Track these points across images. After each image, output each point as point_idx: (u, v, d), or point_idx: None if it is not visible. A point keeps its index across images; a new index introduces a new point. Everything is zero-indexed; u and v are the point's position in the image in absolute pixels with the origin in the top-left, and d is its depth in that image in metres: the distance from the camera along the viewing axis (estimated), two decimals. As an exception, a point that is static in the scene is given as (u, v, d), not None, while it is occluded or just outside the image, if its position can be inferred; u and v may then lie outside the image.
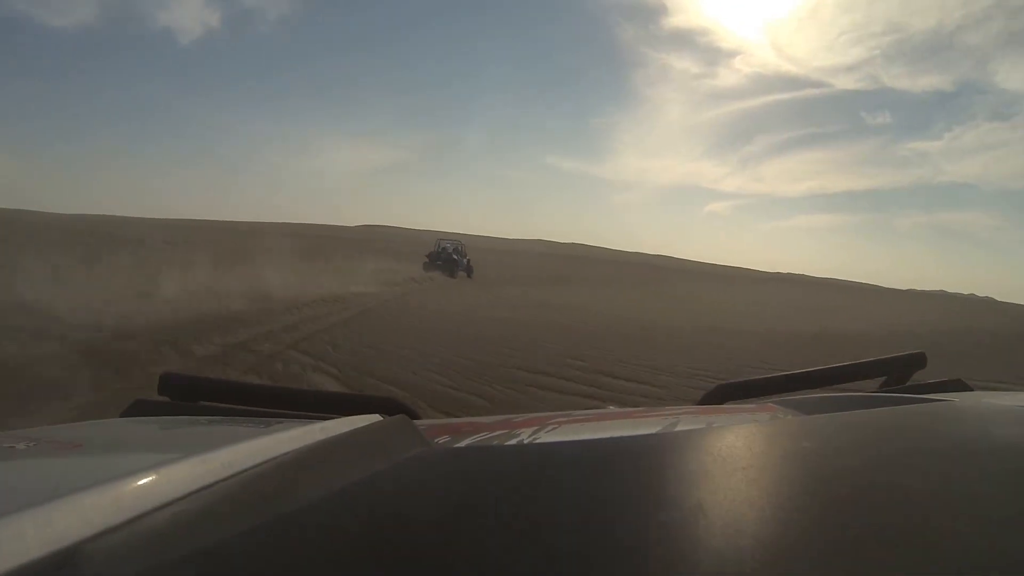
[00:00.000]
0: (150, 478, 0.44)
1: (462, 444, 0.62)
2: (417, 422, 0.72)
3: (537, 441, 0.62)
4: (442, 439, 0.63)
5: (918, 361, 1.08)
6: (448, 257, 25.12)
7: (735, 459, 0.45)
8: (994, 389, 1.14)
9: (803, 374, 1.08)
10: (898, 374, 1.08)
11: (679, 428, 0.67)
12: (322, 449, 0.55)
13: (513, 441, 0.62)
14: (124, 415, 0.92)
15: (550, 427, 0.69)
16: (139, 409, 0.92)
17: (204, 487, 0.45)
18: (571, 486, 0.40)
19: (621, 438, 0.54)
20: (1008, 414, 0.59)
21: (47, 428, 0.76)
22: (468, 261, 25.68)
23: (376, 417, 0.69)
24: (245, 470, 0.49)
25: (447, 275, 23.28)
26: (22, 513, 0.37)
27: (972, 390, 0.95)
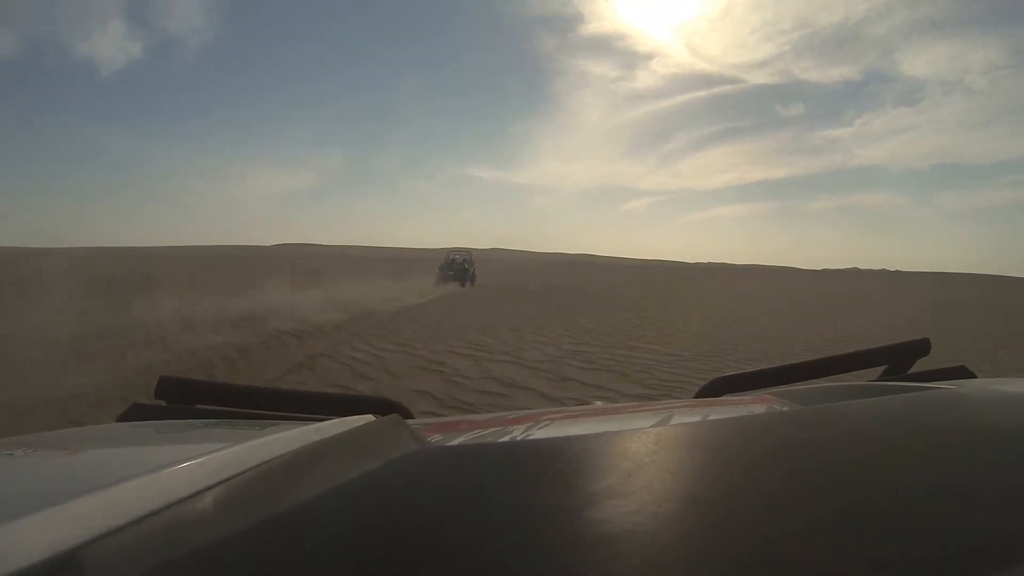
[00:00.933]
0: (147, 482, 0.46)
1: (455, 442, 0.63)
2: (410, 421, 0.73)
3: (530, 438, 0.63)
4: (435, 438, 0.64)
5: (921, 348, 1.07)
6: (460, 268, 26.04)
7: (730, 451, 0.45)
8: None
9: (802, 365, 1.09)
10: (900, 362, 1.07)
11: (673, 422, 0.67)
12: (316, 450, 0.56)
13: (506, 438, 0.63)
14: (120, 419, 0.93)
15: (543, 423, 0.70)
16: (136, 413, 0.93)
17: (201, 490, 0.47)
18: (562, 481, 0.41)
19: (614, 432, 0.55)
20: (1014, 401, 0.59)
21: (44, 434, 0.77)
22: (473, 271, 26.71)
23: (370, 418, 0.71)
24: (240, 473, 0.50)
25: (459, 285, 24.41)
26: (21, 518, 0.38)
27: (976, 377, 0.95)
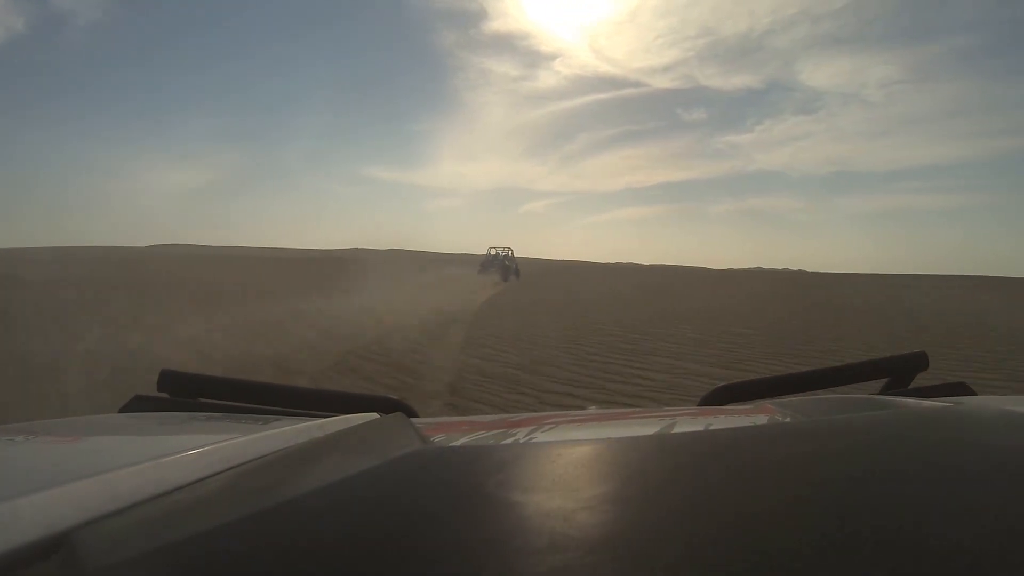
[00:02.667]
0: (146, 470, 0.48)
1: (458, 443, 0.64)
2: (415, 420, 0.75)
3: (533, 441, 0.64)
4: (438, 437, 0.65)
5: (920, 361, 1.10)
6: (501, 264, 29.61)
7: (730, 462, 0.46)
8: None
9: (805, 375, 1.13)
10: (900, 375, 1.11)
11: (676, 430, 0.70)
12: (318, 446, 0.58)
13: (509, 440, 0.64)
14: (123, 410, 0.95)
15: (547, 427, 0.72)
16: (138, 405, 0.96)
17: (199, 480, 0.48)
18: (562, 485, 0.42)
19: (616, 439, 0.56)
20: (1013, 419, 0.60)
21: (46, 422, 0.80)
22: (516, 266, 30.05)
23: (374, 416, 0.73)
24: (240, 465, 0.52)
25: (501, 278, 27.17)
26: (18, 498, 0.40)
27: (975, 394, 0.99)
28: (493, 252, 31.40)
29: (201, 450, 0.53)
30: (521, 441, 0.64)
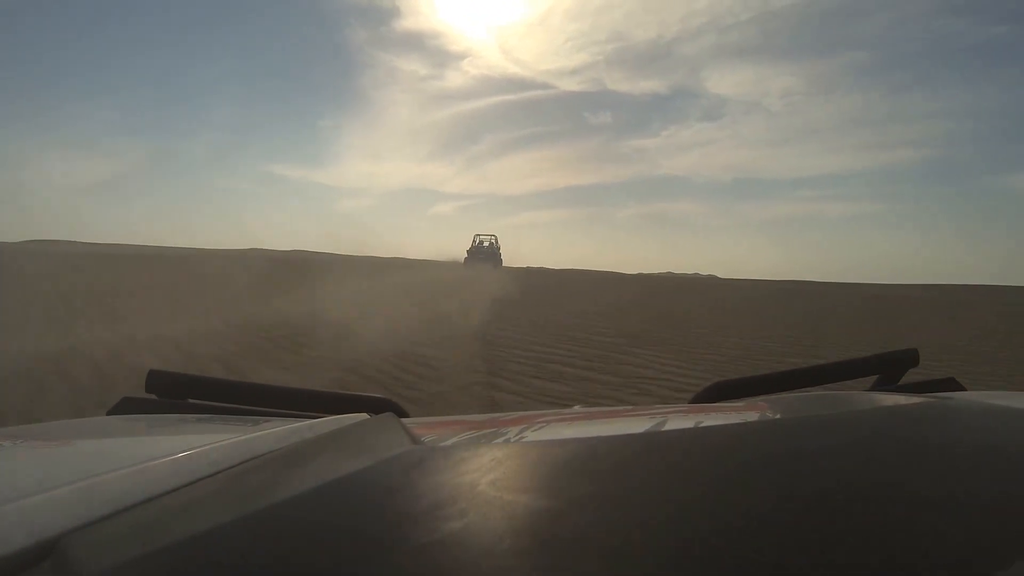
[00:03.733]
0: (133, 474, 0.48)
1: (448, 443, 0.64)
2: (405, 420, 0.75)
3: (523, 440, 0.65)
4: (429, 437, 0.66)
5: (910, 358, 1.15)
6: (488, 252, 30.69)
7: (720, 460, 0.47)
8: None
9: (797, 372, 1.17)
10: (891, 372, 1.16)
11: (666, 428, 0.71)
12: (308, 447, 0.59)
13: (499, 440, 0.65)
14: (111, 413, 0.95)
15: (537, 426, 0.73)
16: (126, 407, 0.95)
17: (187, 483, 0.49)
18: (553, 485, 0.43)
19: (606, 438, 0.57)
20: (1003, 414, 0.62)
21: (32, 426, 0.79)
22: (499, 252, 31.54)
23: (364, 416, 0.74)
24: (229, 467, 0.53)
25: (490, 267, 27.94)
26: (5, 505, 0.40)
27: (965, 390, 1.03)
28: (479, 240, 32.35)
29: (188, 453, 0.53)
30: (511, 440, 0.65)
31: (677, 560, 0.32)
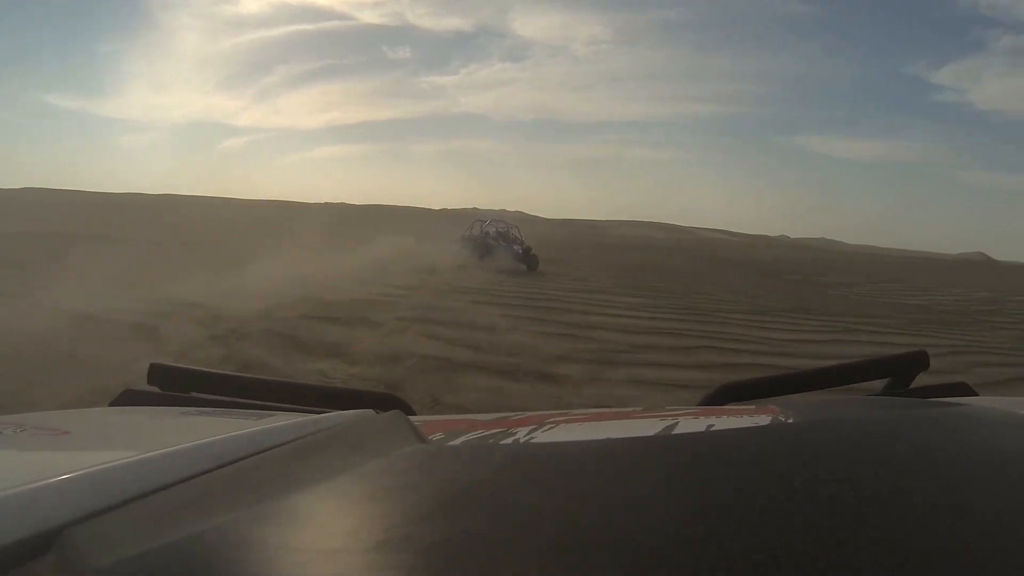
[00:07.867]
0: (137, 465, 0.48)
1: (456, 442, 0.64)
2: (413, 418, 0.75)
3: (533, 440, 0.65)
4: (437, 436, 0.66)
5: (920, 361, 1.14)
6: (506, 244, 20.14)
7: (731, 463, 0.47)
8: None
9: (808, 374, 1.18)
10: (902, 375, 1.15)
11: (677, 430, 0.70)
12: (313, 442, 0.58)
13: (509, 440, 0.64)
14: (113, 404, 0.94)
15: (547, 426, 0.73)
16: (128, 399, 0.95)
17: (191, 476, 0.49)
18: (562, 486, 0.43)
19: (617, 440, 0.57)
20: (1016, 420, 0.61)
21: (35, 415, 0.77)
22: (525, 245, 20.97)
23: (371, 412, 0.73)
24: (233, 461, 0.52)
25: (525, 265, 19.21)
26: (6, 495, 0.40)
27: (977, 395, 1.03)
28: (488, 229, 20.85)
29: (194, 445, 0.53)
30: (521, 441, 0.64)
31: (689, 563, 0.33)
